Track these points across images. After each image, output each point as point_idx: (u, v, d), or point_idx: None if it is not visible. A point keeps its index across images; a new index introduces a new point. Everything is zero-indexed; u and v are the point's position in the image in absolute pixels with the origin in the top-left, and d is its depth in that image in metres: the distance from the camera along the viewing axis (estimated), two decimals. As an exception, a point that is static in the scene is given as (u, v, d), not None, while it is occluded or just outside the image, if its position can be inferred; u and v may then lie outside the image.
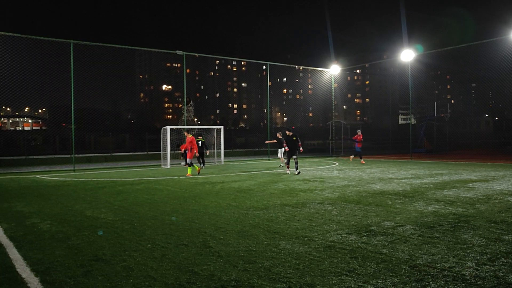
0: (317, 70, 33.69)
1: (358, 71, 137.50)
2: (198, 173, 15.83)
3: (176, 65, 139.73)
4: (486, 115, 77.57)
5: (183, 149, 16.25)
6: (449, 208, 7.69)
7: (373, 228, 6.10)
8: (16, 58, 20.12)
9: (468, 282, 3.81)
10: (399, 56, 28.04)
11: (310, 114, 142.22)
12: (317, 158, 28.05)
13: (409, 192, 9.93)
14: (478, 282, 3.79)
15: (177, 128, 24.82)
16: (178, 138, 24.28)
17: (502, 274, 4.00)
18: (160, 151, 23.68)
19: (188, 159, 15.52)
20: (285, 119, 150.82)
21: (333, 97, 32.44)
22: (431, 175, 14.42)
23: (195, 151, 15.87)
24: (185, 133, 16.47)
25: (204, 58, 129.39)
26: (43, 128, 60.70)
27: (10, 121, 71.23)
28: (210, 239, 5.55)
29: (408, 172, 15.60)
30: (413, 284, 3.77)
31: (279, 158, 21.06)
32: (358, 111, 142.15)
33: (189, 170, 15.61)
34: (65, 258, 4.77)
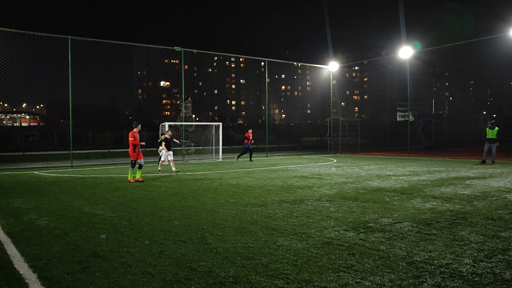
0: (316, 67, 33.67)
1: (356, 68, 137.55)
2: (133, 181, 12.35)
3: (174, 61, 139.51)
4: (484, 112, 77.78)
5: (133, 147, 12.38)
6: (447, 205, 7.72)
7: (370, 224, 6.11)
8: (13, 53, 20.04)
9: (465, 278, 3.82)
10: (398, 53, 28.04)
11: (308, 111, 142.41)
12: (315, 155, 28.07)
13: (407, 189, 9.95)
14: (475, 279, 3.81)
15: (175, 125, 24.78)
16: (176, 135, 24.24)
17: (499, 271, 4.02)
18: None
19: (141, 160, 12.54)
20: (284, 115, 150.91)
21: (331, 94, 32.44)
22: (429, 172, 14.46)
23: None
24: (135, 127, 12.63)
25: (203, 54, 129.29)
26: (41, 124, 60.64)
27: (8, 117, 71.09)
28: (208, 236, 5.55)
29: (406, 169, 15.63)
30: (411, 281, 3.78)
31: (164, 161, 16.69)
32: (357, 108, 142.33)
33: (138, 174, 12.55)
34: (63, 254, 4.77)
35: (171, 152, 16.27)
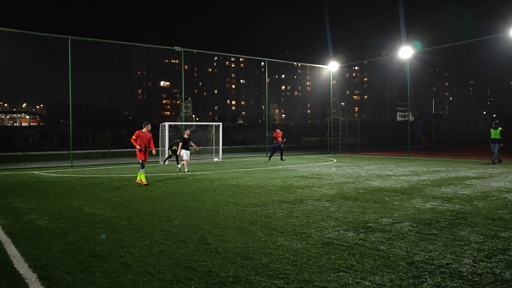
0: (316, 67, 33.67)
1: (356, 68, 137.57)
2: (144, 184, 11.64)
3: (174, 61, 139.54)
4: (484, 112, 77.81)
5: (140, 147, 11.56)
6: (447, 205, 7.71)
7: (370, 224, 6.11)
8: (13, 53, 20.05)
9: (465, 278, 3.82)
10: (398, 53, 28.04)
11: (309, 111, 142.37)
12: (315, 155, 28.07)
13: (407, 189, 9.95)
14: (475, 279, 3.81)
15: (176, 125, 24.79)
16: (176, 135, 24.25)
17: (499, 271, 4.02)
18: (159, 147, 23.65)
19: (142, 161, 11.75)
20: (283, 115, 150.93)
21: (331, 94, 32.44)
22: (429, 172, 14.45)
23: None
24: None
25: (203, 54, 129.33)
26: (41, 124, 60.64)
27: (8, 117, 71.11)
28: (208, 236, 5.55)
29: (406, 169, 15.63)
30: (411, 281, 3.78)
31: (183, 161, 15.87)
32: (357, 108, 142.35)
33: (142, 176, 11.77)
34: (63, 254, 4.77)
35: (188, 152, 15.67)
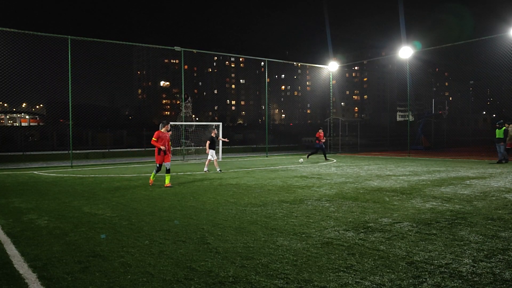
0: (315, 66, 33.66)
1: (356, 68, 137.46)
2: (150, 183, 11.59)
3: (174, 61, 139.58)
4: (484, 112, 77.83)
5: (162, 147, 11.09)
6: (446, 205, 7.72)
7: (370, 224, 6.11)
8: (13, 53, 20.03)
9: (464, 278, 3.82)
10: (397, 53, 28.03)
11: (308, 111, 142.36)
12: (315, 155, 28.03)
13: (407, 189, 9.95)
14: (475, 279, 3.81)
15: (175, 125, 24.77)
16: (176, 135, 24.24)
17: (498, 271, 4.02)
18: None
19: (167, 163, 11.38)
20: (283, 115, 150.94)
21: (331, 94, 32.43)
22: (429, 172, 14.46)
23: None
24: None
25: (202, 54, 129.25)
26: (41, 124, 60.60)
27: (8, 117, 71.10)
28: (208, 236, 5.55)
29: (406, 169, 15.63)
30: (410, 281, 3.78)
31: (212, 161, 15.67)
32: (356, 108, 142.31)
33: (152, 175, 11.64)
34: (62, 254, 4.77)
35: (214, 152, 15.37)
